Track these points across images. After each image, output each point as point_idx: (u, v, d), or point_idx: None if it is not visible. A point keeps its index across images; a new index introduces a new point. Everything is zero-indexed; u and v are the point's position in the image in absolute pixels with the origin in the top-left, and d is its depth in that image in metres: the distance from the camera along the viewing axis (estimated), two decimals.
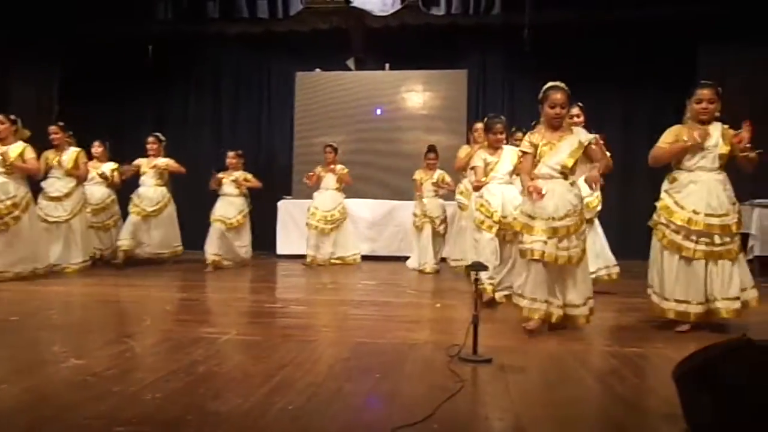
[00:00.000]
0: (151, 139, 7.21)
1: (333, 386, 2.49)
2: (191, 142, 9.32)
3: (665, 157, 3.75)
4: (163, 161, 7.15)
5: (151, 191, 7.02)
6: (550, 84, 3.64)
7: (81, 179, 6.48)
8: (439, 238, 6.90)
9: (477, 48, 8.80)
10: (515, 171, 4.63)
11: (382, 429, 2.05)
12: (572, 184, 3.61)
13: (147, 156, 7.18)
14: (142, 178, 7.11)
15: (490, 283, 4.55)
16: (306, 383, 2.53)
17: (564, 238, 3.49)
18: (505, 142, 4.83)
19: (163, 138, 7.33)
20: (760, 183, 6.94)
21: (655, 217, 3.78)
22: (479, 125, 5.89)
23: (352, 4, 7.90)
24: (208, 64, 9.44)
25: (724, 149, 3.65)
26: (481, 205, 4.67)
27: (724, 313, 3.58)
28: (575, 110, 4.99)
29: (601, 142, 4.89)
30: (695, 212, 3.61)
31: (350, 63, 8.94)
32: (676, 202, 3.69)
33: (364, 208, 8.03)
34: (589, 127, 5.07)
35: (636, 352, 3.18)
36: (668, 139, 3.75)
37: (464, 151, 6.09)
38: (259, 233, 8.68)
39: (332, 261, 7.26)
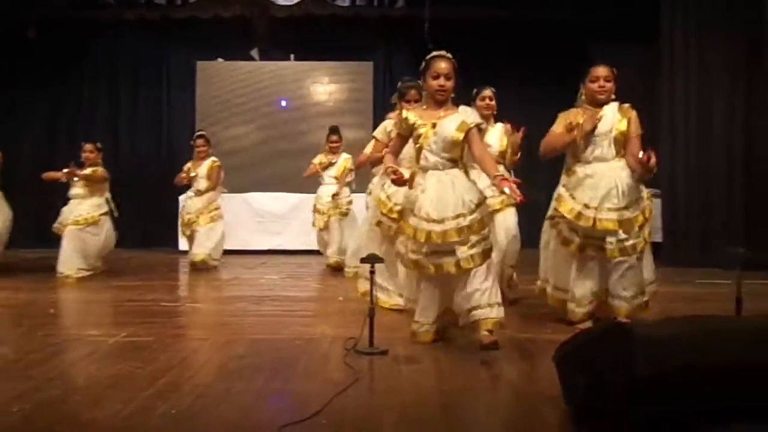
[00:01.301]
0: None
1: (222, 386, 2.41)
2: (85, 132, 8.80)
3: (555, 146, 3.45)
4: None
5: None
6: (435, 53, 3.16)
7: None
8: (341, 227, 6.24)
9: (382, 40, 8.81)
10: None
11: (269, 428, 2.00)
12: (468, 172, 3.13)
13: None
14: None
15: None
16: (193, 384, 2.43)
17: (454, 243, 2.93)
18: None
19: None
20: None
21: (552, 210, 3.52)
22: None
23: None
24: (103, 51, 8.91)
25: (621, 128, 3.35)
26: (378, 200, 4.02)
27: (622, 312, 3.32)
28: (488, 92, 4.43)
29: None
30: (586, 206, 3.30)
31: (254, 53, 8.73)
32: (572, 195, 3.40)
33: (269, 202, 7.89)
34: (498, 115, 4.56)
35: (527, 337, 3.28)
36: (559, 126, 3.47)
37: (370, 146, 5.12)
38: (159, 229, 8.36)
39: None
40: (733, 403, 1.74)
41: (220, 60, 8.56)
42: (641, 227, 3.31)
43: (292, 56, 8.63)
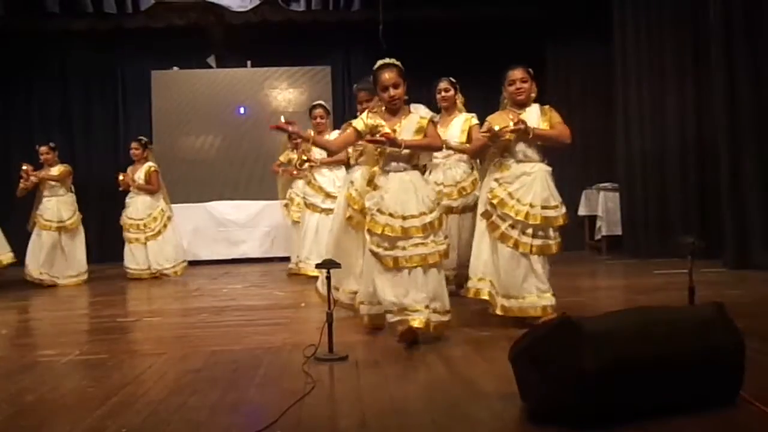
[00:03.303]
0: None
1: (176, 402, 2.35)
2: (38, 144, 8.60)
3: (476, 152, 3.77)
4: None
5: None
6: (379, 63, 3.25)
7: None
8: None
9: (340, 44, 8.81)
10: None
11: None
12: (429, 171, 3.40)
13: None
14: None
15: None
16: (146, 401, 2.37)
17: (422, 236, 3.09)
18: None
19: None
20: (603, 168, 7.57)
21: (488, 207, 3.49)
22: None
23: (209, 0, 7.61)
24: (53, 63, 8.69)
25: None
26: (348, 196, 3.88)
27: (539, 312, 3.34)
28: (443, 84, 4.53)
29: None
30: (532, 206, 3.36)
31: (211, 60, 8.64)
32: (510, 194, 3.41)
33: (231, 210, 7.81)
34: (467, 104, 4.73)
35: (486, 336, 3.29)
36: (483, 130, 3.54)
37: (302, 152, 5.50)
38: (118, 242, 8.17)
39: (151, 274, 6.42)
40: (677, 394, 1.77)
41: (175, 69, 8.44)
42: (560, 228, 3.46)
43: (249, 63, 8.56)
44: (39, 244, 6.07)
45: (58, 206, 6.18)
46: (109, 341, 3.57)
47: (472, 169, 4.49)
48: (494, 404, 2.24)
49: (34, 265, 6.02)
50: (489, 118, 3.61)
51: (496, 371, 2.70)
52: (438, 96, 4.54)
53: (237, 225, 7.75)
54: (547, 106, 3.58)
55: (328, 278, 2.92)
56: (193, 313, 4.45)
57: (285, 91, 8.40)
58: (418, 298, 3.04)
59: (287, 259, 7.34)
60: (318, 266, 2.96)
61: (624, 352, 1.80)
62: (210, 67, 8.56)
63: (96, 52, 8.62)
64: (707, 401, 1.94)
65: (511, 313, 3.41)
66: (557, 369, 1.86)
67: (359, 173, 3.89)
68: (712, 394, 1.95)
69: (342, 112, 8.19)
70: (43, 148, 6.30)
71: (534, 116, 3.50)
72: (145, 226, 6.45)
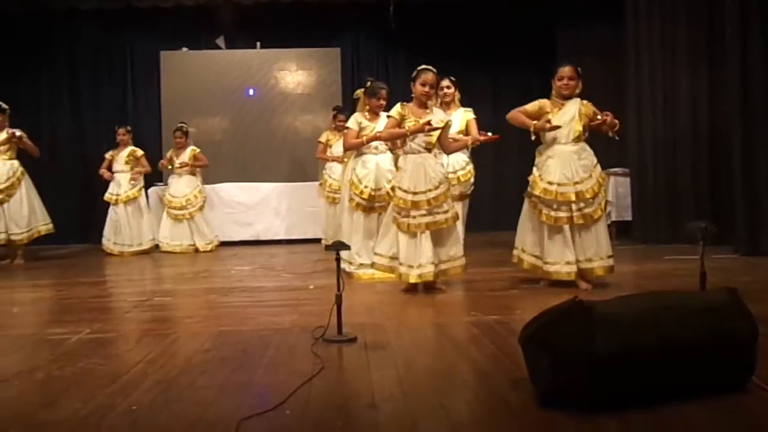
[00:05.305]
0: None
1: (185, 381, 2.36)
2: (46, 125, 8.62)
3: (516, 121, 4.07)
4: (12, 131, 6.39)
5: None
6: (423, 66, 4.04)
7: None
8: None
9: (350, 25, 8.75)
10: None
11: (231, 421, 1.96)
12: (435, 155, 4.14)
13: None
14: None
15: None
16: (155, 380, 2.38)
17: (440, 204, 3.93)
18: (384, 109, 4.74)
19: (5, 106, 6.48)
20: (612, 153, 7.47)
21: (529, 188, 4.08)
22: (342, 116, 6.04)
23: None
24: (61, 43, 8.68)
25: (582, 122, 3.98)
26: (351, 183, 4.64)
27: (599, 271, 3.96)
28: (446, 83, 5.13)
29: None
30: (550, 183, 3.93)
31: (220, 41, 8.60)
32: (540, 176, 4.00)
33: (239, 192, 7.80)
34: (463, 100, 5.36)
35: (496, 319, 3.28)
36: (532, 107, 4.05)
37: (325, 136, 6.32)
38: None
39: (186, 249, 7.08)
40: (688, 379, 1.75)
41: (184, 50, 8.41)
42: (594, 198, 3.92)
43: (258, 44, 8.51)
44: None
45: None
46: (120, 320, 3.60)
47: (469, 160, 5.25)
48: (503, 388, 2.23)
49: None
50: (540, 101, 4.07)
51: (505, 355, 2.70)
52: (440, 92, 5.10)
53: (245, 207, 7.76)
54: (585, 101, 4.02)
55: (338, 260, 2.92)
56: (201, 294, 4.47)
57: (294, 73, 8.37)
58: (425, 257, 3.86)
59: (296, 241, 7.42)
60: (327, 248, 2.95)
61: (635, 336, 1.78)
62: (219, 48, 8.53)
63: (105, 32, 8.60)
64: (719, 386, 1.92)
65: (558, 277, 3.91)
66: (567, 353, 1.85)
67: (360, 162, 4.67)
68: (724, 380, 1.93)
69: (351, 94, 8.14)
70: (121, 130, 7.15)
71: (573, 108, 3.98)
72: (187, 202, 7.05)
